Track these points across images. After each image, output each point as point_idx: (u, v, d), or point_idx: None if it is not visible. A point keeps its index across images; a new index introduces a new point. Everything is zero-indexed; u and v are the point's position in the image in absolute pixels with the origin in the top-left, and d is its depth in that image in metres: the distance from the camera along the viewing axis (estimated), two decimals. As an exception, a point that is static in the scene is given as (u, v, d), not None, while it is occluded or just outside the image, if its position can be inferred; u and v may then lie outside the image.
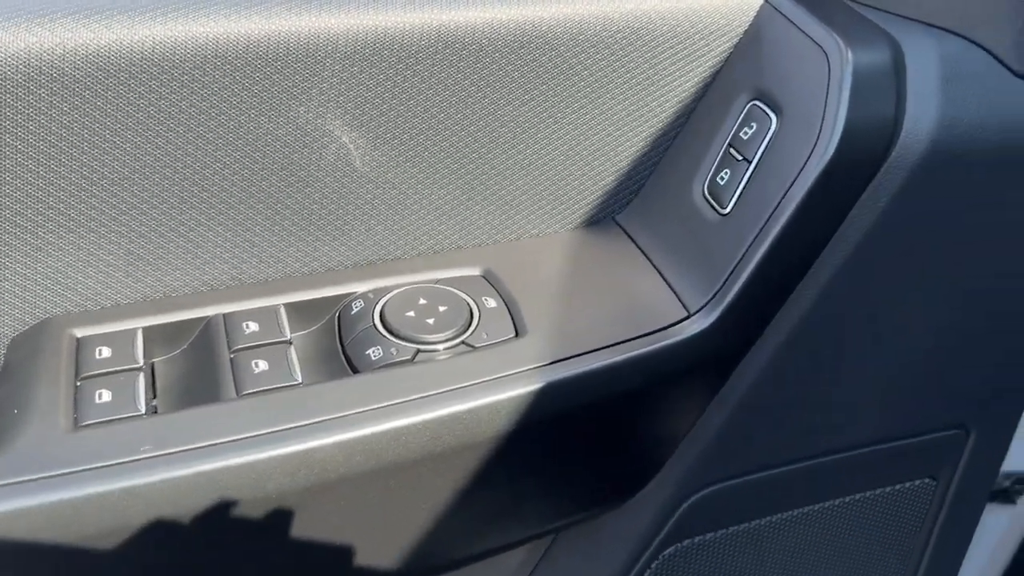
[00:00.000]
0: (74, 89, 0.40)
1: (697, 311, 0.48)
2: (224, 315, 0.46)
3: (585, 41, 0.48)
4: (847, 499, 0.63)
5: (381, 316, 0.47)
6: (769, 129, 0.47)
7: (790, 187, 0.45)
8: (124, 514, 0.38)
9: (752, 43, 0.50)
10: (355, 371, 0.45)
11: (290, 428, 0.40)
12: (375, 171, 0.48)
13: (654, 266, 0.52)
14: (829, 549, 0.65)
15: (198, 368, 0.45)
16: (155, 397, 0.44)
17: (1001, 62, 0.47)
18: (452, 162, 0.49)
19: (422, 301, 0.48)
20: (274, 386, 0.43)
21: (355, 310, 0.48)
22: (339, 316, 0.48)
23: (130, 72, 0.41)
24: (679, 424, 0.53)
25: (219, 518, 0.40)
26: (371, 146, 0.47)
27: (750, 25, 0.50)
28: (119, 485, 0.37)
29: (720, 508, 0.58)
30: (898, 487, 0.64)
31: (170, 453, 0.39)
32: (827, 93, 0.45)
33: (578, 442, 0.50)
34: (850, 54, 0.44)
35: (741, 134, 0.49)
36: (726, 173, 0.49)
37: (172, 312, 0.46)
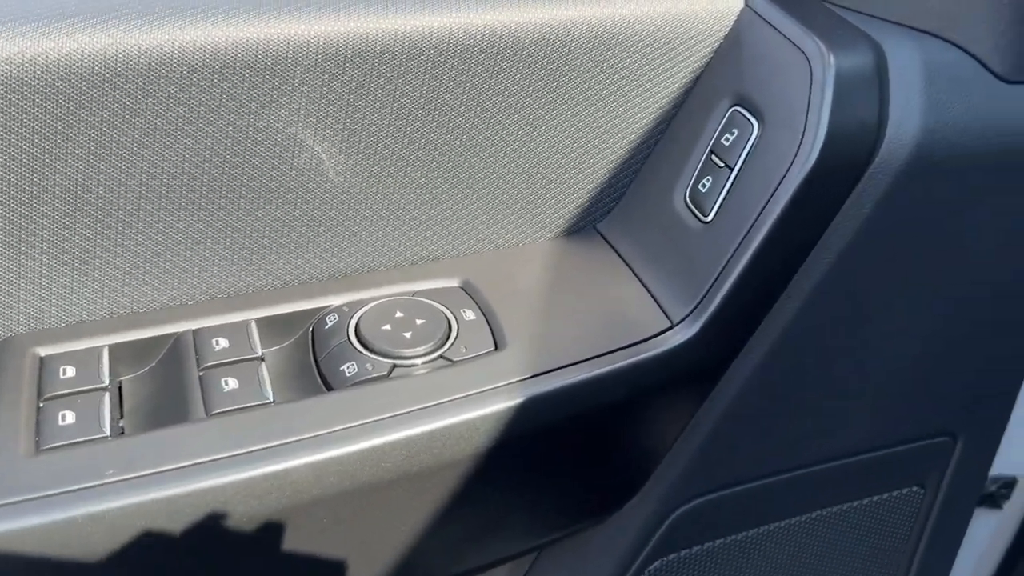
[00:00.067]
0: (31, 99, 0.39)
1: (680, 321, 0.47)
2: (193, 331, 0.45)
3: (563, 47, 0.47)
4: (834, 509, 0.62)
5: (356, 330, 0.46)
6: (751, 135, 0.47)
7: (773, 194, 0.45)
8: (88, 541, 0.37)
9: (733, 48, 0.50)
10: (329, 388, 0.44)
11: (260, 449, 0.39)
12: (349, 180, 0.47)
13: (636, 275, 0.51)
14: (816, 560, 0.65)
15: (167, 387, 0.43)
16: (122, 417, 0.43)
17: (983, 64, 0.47)
18: (428, 171, 0.48)
19: (398, 314, 0.47)
20: (244, 405, 0.41)
21: (329, 324, 0.47)
22: (312, 331, 0.47)
23: (91, 82, 0.40)
24: (664, 436, 0.52)
25: (187, 543, 0.39)
26: (344, 155, 0.46)
27: (730, 30, 0.50)
28: (82, 511, 0.36)
29: (706, 521, 0.57)
30: (886, 496, 0.64)
31: (136, 477, 0.37)
32: (809, 98, 0.44)
33: (561, 457, 0.49)
34: (832, 58, 0.44)
35: (723, 140, 0.48)
36: (708, 180, 0.48)
37: (140, 329, 0.45)
